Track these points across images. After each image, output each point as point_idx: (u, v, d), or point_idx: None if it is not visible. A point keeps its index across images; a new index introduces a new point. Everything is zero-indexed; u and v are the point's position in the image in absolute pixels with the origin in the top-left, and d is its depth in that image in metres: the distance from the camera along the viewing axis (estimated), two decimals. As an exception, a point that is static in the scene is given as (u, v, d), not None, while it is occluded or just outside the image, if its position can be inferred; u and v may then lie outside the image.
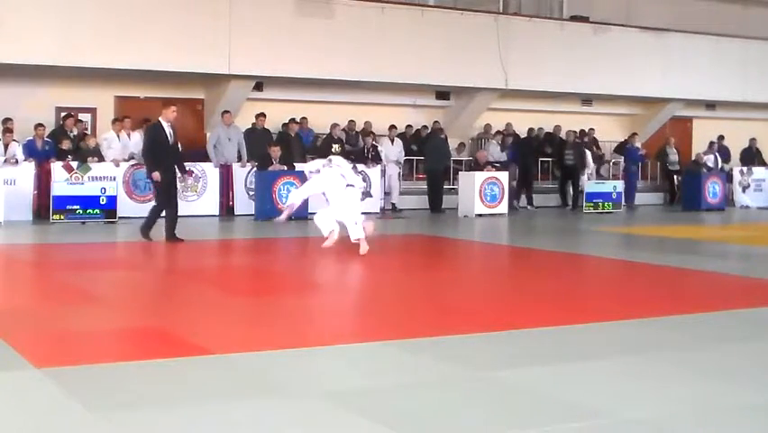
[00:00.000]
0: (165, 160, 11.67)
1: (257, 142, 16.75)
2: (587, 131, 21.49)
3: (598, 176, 20.52)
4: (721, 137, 22.93)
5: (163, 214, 11.82)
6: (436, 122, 19.97)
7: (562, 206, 19.99)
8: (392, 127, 18.85)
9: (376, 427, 3.97)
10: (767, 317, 6.94)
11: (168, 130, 11.66)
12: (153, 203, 12.26)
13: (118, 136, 16.03)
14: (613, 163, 21.88)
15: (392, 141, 18.65)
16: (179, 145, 13.25)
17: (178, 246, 11.47)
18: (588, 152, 20.04)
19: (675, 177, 21.89)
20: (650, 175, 22.91)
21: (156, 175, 11.57)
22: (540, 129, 21.22)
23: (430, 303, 7.49)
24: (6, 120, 15.32)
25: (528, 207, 19.61)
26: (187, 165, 15.72)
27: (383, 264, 10.01)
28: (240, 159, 16.64)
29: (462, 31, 19.26)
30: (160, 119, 11.78)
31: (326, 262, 10.19)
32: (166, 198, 11.76)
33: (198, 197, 16.14)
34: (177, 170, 11.89)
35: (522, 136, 20.55)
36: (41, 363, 4.98)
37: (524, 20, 20.42)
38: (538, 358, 5.31)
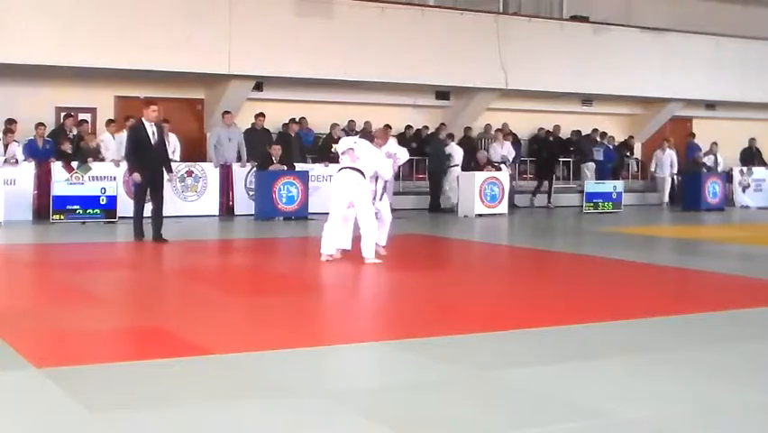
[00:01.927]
0: (146, 160, 11.55)
1: (257, 142, 16.75)
2: (581, 132, 21.54)
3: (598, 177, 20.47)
4: (753, 139, 22.81)
5: (147, 214, 11.74)
6: (442, 124, 19.84)
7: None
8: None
9: (376, 427, 3.97)
10: (767, 317, 6.94)
11: (150, 129, 11.55)
12: (133, 204, 12.04)
13: (113, 137, 16.00)
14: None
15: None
16: (167, 143, 13.23)
17: (176, 246, 11.46)
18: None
19: (675, 177, 21.87)
20: (649, 175, 22.90)
21: (136, 176, 11.51)
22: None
23: (430, 303, 7.48)
24: (10, 121, 15.31)
25: (549, 204, 19.79)
26: (187, 165, 15.91)
27: (383, 264, 9.99)
28: (240, 159, 16.64)
29: (462, 31, 19.25)
30: (142, 119, 11.71)
31: (326, 262, 10.16)
32: (143, 197, 11.70)
33: (198, 197, 16.12)
34: (164, 169, 11.83)
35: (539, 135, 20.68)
36: (41, 363, 4.97)
37: (524, 20, 20.42)
38: (538, 358, 5.31)
